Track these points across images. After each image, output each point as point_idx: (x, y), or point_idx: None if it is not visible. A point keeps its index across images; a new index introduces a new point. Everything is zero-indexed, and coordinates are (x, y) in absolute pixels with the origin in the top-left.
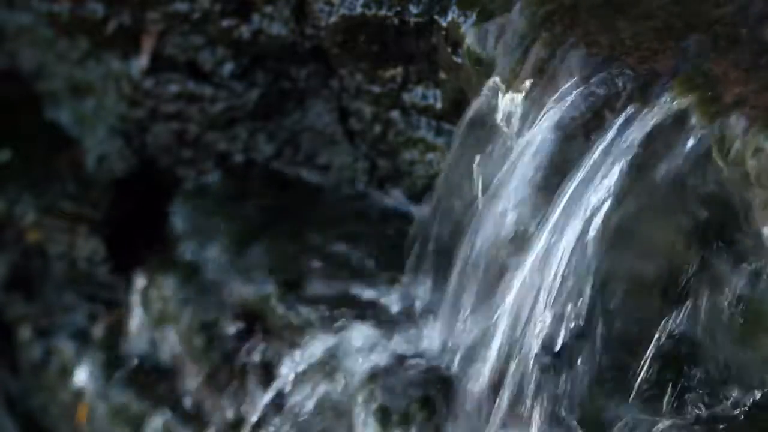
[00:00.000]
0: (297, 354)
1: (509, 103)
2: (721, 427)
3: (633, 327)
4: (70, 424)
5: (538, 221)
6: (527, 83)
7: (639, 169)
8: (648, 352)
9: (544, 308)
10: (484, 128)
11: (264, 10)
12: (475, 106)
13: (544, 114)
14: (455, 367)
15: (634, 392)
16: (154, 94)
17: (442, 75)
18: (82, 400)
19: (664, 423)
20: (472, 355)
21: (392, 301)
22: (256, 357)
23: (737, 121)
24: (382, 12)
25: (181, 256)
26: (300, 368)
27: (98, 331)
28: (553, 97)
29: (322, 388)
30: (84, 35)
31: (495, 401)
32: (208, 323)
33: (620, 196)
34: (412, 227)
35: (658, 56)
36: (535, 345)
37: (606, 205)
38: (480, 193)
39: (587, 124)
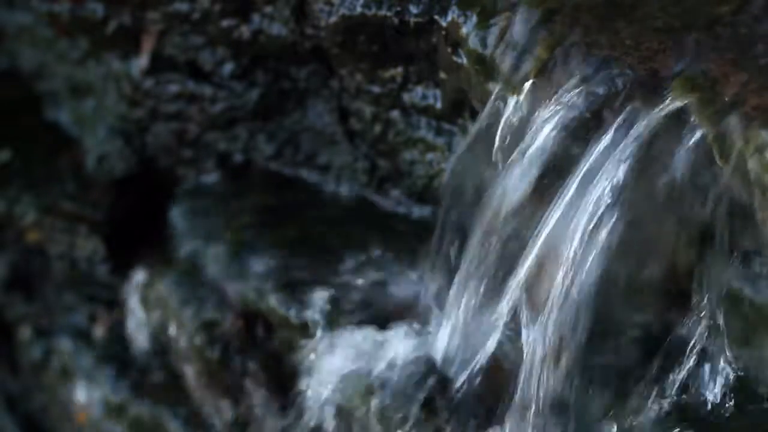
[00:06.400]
0: (297, 353)
1: (511, 103)
2: (723, 426)
3: (634, 326)
4: (70, 424)
5: (535, 224)
6: (528, 83)
7: (639, 169)
8: (648, 351)
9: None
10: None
11: (264, 10)
12: (488, 106)
13: (545, 114)
14: (459, 364)
15: (633, 392)
16: (154, 94)
17: (442, 75)
18: (82, 400)
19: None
20: (476, 350)
21: (395, 300)
22: (257, 356)
23: (737, 120)
24: (382, 12)
25: (181, 256)
26: (300, 367)
27: (98, 331)
28: (554, 97)
29: (324, 388)
30: (84, 35)
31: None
32: (208, 323)
33: (620, 196)
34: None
35: (658, 56)
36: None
37: (606, 206)
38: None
39: (587, 124)
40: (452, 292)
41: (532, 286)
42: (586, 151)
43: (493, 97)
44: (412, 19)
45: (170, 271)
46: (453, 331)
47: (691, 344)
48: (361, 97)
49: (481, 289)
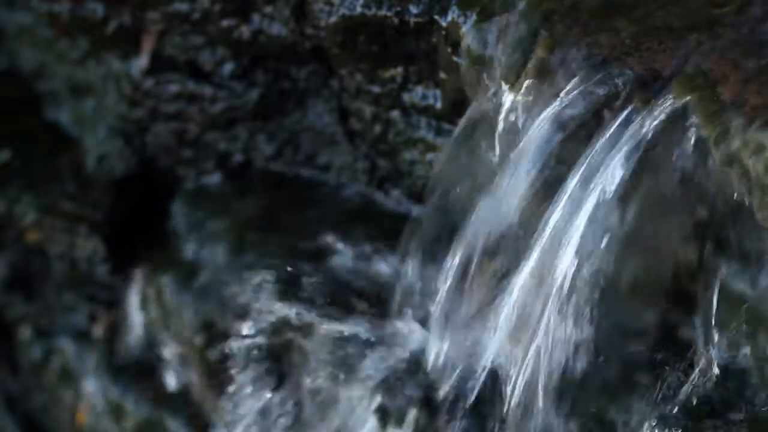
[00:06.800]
0: (296, 354)
1: (510, 103)
2: (722, 427)
3: (635, 327)
4: (70, 424)
5: (535, 224)
6: (527, 83)
7: (639, 169)
8: (650, 352)
9: (547, 317)
10: (486, 128)
11: (264, 10)
12: (477, 105)
13: (544, 114)
14: (457, 363)
15: (635, 392)
16: (154, 94)
17: (442, 75)
18: (82, 400)
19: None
20: (473, 353)
21: (394, 300)
22: (256, 356)
23: (737, 120)
24: (382, 12)
25: (181, 256)
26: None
27: (98, 331)
28: (553, 97)
29: (322, 389)
30: (84, 35)
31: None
32: (208, 323)
33: (621, 196)
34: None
35: (658, 56)
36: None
37: (606, 206)
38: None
39: (587, 124)
40: (449, 289)
41: (530, 287)
42: (586, 152)
43: (490, 96)
44: (412, 19)
45: (170, 271)
46: (451, 329)
47: (693, 345)
48: (361, 97)
49: (478, 289)
